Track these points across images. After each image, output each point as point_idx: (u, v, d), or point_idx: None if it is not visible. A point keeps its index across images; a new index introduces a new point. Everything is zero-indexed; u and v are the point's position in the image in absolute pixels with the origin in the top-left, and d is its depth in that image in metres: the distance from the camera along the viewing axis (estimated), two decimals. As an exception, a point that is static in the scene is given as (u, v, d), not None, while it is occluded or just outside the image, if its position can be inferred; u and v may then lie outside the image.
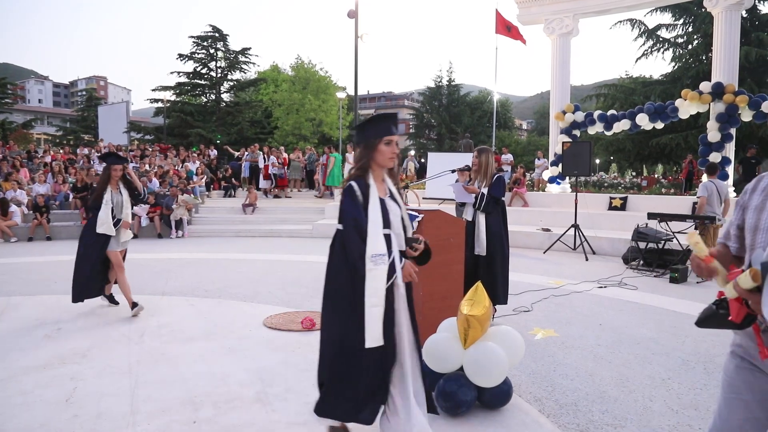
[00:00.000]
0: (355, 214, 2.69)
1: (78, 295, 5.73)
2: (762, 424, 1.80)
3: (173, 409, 3.34)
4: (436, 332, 3.62)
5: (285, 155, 19.51)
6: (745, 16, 21.48)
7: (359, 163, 2.88)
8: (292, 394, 3.56)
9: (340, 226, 2.80)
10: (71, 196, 14.89)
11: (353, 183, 2.78)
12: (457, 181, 5.51)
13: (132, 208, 6.07)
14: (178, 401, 3.45)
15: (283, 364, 4.14)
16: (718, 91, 12.60)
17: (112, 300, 6.16)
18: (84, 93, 50.19)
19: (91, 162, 18.96)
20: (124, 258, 6.07)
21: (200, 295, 6.79)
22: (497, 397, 3.37)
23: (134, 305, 5.68)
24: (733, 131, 12.82)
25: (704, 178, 11.40)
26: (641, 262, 8.91)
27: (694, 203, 9.93)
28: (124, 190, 5.94)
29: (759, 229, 1.76)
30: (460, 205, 5.43)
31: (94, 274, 5.81)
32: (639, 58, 28.03)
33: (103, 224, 5.66)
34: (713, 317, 1.74)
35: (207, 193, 17.94)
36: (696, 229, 8.46)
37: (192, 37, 36.60)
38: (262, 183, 18.82)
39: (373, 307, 2.62)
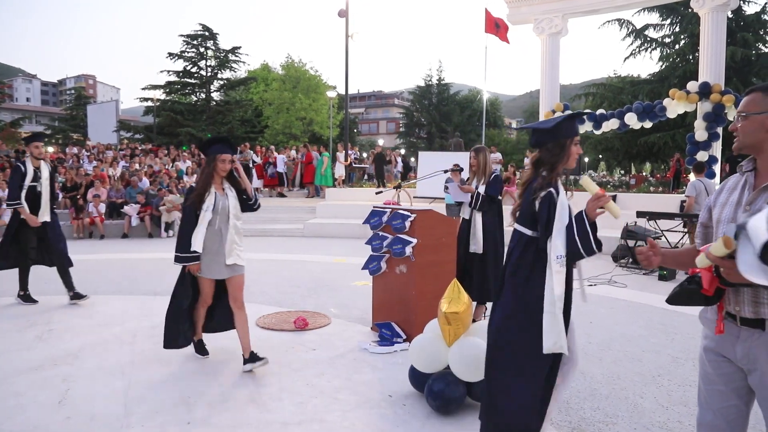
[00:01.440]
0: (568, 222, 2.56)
1: (170, 341, 4.20)
2: (741, 410, 1.93)
3: (167, 409, 3.34)
4: (423, 333, 3.66)
5: (275, 154, 19.48)
6: (730, 16, 21.69)
7: (550, 166, 2.63)
8: (286, 393, 3.58)
9: (530, 232, 2.65)
10: (60, 195, 14.76)
11: (553, 190, 2.56)
12: (451, 181, 5.54)
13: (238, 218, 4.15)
14: (172, 402, 3.45)
15: (277, 364, 4.14)
16: (705, 91, 12.74)
17: (202, 350, 4.40)
18: (73, 92, 49.78)
19: (81, 161, 18.84)
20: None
21: (192, 295, 6.76)
22: None
23: (253, 359, 3.98)
24: (719, 130, 12.96)
25: (692, 176, 11.52)
26: (630, 260, 8.99)
27: (683, 202, 10.03)
28: (230, 191, 4.10)
29: (721, 221, 1.93)
30: (456, 204, 5.46)
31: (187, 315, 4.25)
32: (627, 57, 28.26)
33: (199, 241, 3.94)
34: (683, 292, 1.87)
35: (197, 192, 17.85)
36: (685, 227, 8.55)
37: (182, 35, 36.46)
38: (255, 182, 18.81)
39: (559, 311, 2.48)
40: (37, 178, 6.08)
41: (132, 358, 4.29)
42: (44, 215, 6.11)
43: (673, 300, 1.92)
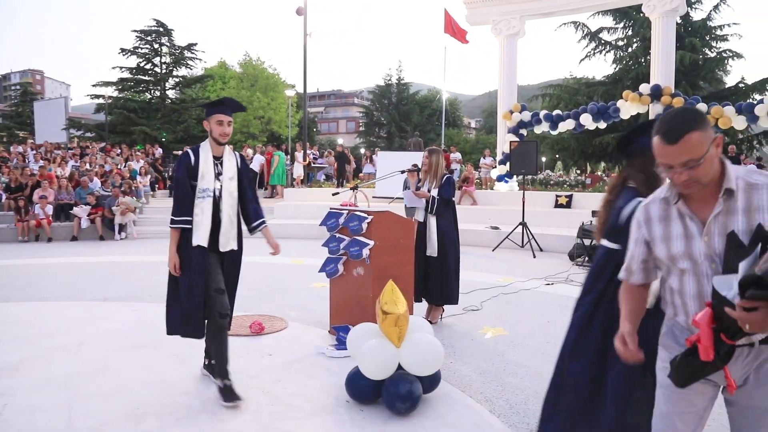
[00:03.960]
0: None
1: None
2: (699, 415, 1.86)
3: (114, 423, 3.18)
4: (354, 342, 3.58)
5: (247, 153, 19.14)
6: (679, 22, 22.42)
7: (644, 178, 2.49)
8: (241, 402, 3.46)
9: (612, 246, 2.61)
10: (4, 197, 14.12)
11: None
12: (407, 187, 5.52)
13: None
14: (120, 414, 3.29)
15: (232, 371, 4.01)
16: (656, 93, 13.11)
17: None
18: (18, 87, 47.85)
19: (26, 160, 18.09)
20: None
21: (144, 299, 6.54)
22: (435, 380, 3.54)
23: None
24: (670, 131, 13.34)
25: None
26: (586, 258, 9.16)
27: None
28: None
29: (676, 258, 1.81)
30: (411, 208, 5.44)
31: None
32: (583, 59, 28.94)
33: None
34: (687, 367, 1.67)
35: (152, 192, 17.41)
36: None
37: (135, 31, 35.51)
38: None
39: None
40: None
41: (77, 369, 4.08)
42: None
43: (681, 382, 1.71)
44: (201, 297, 3.53)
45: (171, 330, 3.75)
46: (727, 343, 1.58)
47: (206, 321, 3.67)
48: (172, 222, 3.54)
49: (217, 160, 3.62)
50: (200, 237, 3.51)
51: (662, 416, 1.92)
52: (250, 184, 3.85)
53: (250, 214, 3.85)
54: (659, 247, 1.86)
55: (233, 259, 3.81)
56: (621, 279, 2.05)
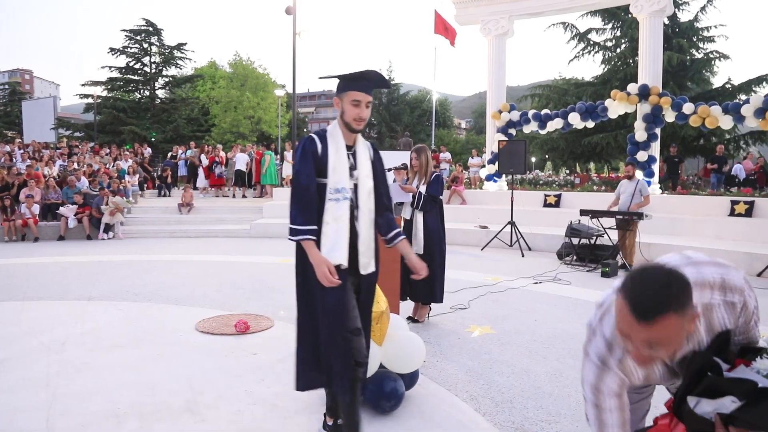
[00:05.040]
0: None
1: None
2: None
3: (94, 423, 3.14)
4: None
5: (223, 154, 19.04)
6: (667, 23, 22.57)
7: None
8: (223, 401, 3.43)
9: None
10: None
11: None
12: (394, 180, 5.50)
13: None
14: (101, 414, 3.25)
15: (215, 370, 3.99)
16: (644, 93, 13.16)
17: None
18: (6, 87, 47.27)
19: (14, 160, 17.90)
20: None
21: (130, 299, 6.49)
22: (415, 377, 3.54)
23: None
24: (658, 131, 13.42)
25: (639, 174, 11.88)
26: (574, 257, 9.19)
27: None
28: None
29: (655, 380, 1.79)
30: (399, 204, 5.42)
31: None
32: (572, 60, 29.02)
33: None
34: None
35: (140, 192, 17.30)
36: (625, 225, 8.75)
37: (124, 30, 35.27)
38: (201, 182, 18.34)
39: None
40: None
41: (59, 368, 4.03)
42: None
43: None
44: (335, 336, 2.62)
45: (304, 384, 2.78)
46: None
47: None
48: (296, 233, 2.57)
49: (349, 150, 2.75)
50: (337, 254, 2.60)
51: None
52: (384, 183, 2.91)
53: (383, 222, 2.88)
54: (633, 396, 1.90)
55: (370, 286, 2.85)
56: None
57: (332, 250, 2.58)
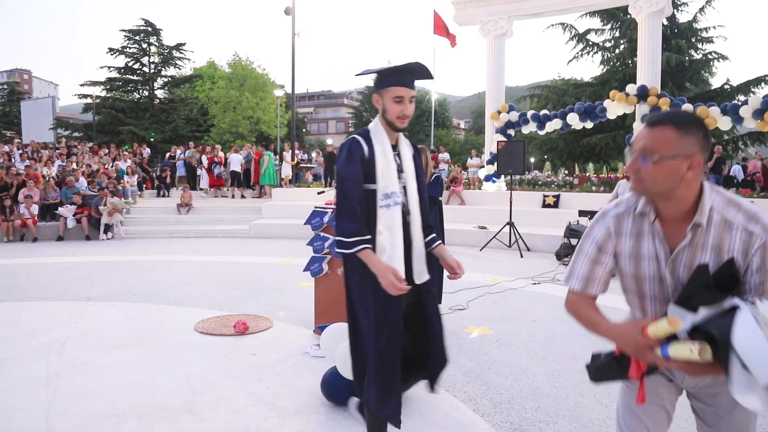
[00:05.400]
0: None
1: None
2: (662, 407, 1.82)
3: (94, 423, 3.15)
4: (329, 342, 3.53)
5: (222, 154, 19.05)
6: (665, 23, 22.59)
7: None
8: (222, 402, 3.44)
9: None
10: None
11: None
12: None
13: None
14: (100, 414, 3.26)
15: (215, 370, 4.00)
16: (642, 94, 13.20)
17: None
18: (5, 87, 47.28)
19: (12, 160, 17.90)
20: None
21: (129, 299, 6.50)
22: None
23: None
24: (657, 132, 13.44)
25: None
26: (573, 258, 9.19)
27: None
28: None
29: (643, 278, 1.68)
30: (396, 205, 5.43)
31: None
32: (570, 60, 29.11)
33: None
34: (608, 370, 1.69)
35: (139, 192, 17.31)
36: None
37: (123, 30, 35.27)
38: (204, 183, 18.35)
39: None
40: None
41: (59, 368, 4.04)
42: None
43: (596, 379, 1.73)
44: (398, 356, 2.44)
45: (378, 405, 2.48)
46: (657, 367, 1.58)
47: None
48: (351, 245, 2.34)
49: (394, 150, 2.55)
50: (395, 266, 2.40)
51: (626, 408, 1.87)
52: (424, 183, 2.69)
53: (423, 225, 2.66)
54: (626, 263, 1.71)
55: (430, 294, 2.66)
56: (574, 290, 1.81)
57: (389, 263, 2.37)
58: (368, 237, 2.36)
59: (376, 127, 2.53)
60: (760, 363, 1.26)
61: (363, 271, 2.40)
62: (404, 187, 2.53)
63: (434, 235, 2.68)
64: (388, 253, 2.40)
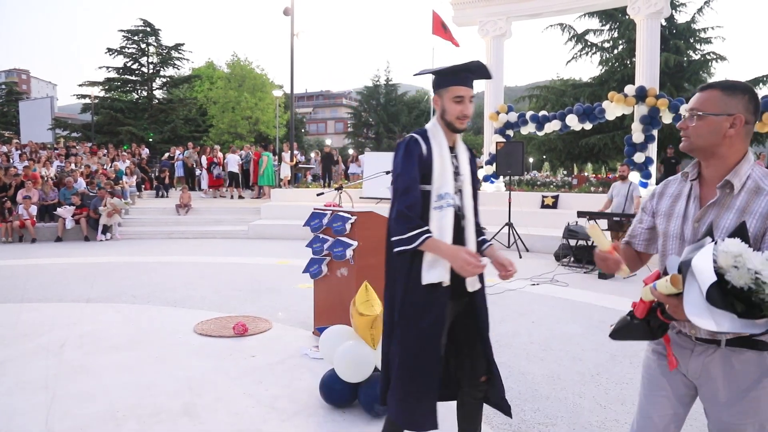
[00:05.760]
0: None
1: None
2: (681, 419, 1.86)
3: (93, 425, 3.15)
4: (328, 344, 3.55)
5: (220, 155, 19.05)
6: (664, 24, 22.60)
7: None
8: (222, 403, 3.44)
9: None
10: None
11: None
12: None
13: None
14: (99, 416, 3.26)
15: (214, 371, 4.00)
16: (641, 95, 13.20)
17: None
18: (3, 87, 47.21)
19: (10, 160, 17.88)
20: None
21: (128, 300, 6.50)
22: None
23: None
24: (655, 132, 13.46)
25: (632, 177, 11.91)
26: (572, 258, 9.20)
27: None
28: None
29: (669, 236, 1.82)
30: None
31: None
32: (569, 61, 29.07)
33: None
34: (627, 327, 1.78)
35: (138, 193, 17.29)
36: (618, 227, 8.79)
37: (122, 30, 35.23)
38: (204, 183, 18.36)
39: None
40: None
41: (58, 370, 4.04)
42: None
43: (616, 335, 1.84)
44: (438, 366, 2.41)
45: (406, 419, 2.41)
46: (659, 318, 1.67)
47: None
48: (410, 241, 2.26)
49: (451, 152, 2.48)
50: (440, 270, 2.32)
51: (639, 405, 1.95)
52: (477, 188, 2.61)
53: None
54: (659, 221, 1.88)
55: (483, 303, 2.64)
56: (624, 242, 2.04)
57: (432, 267, 2.30)
58: (427, 227, 2.28)
59: (434, 127, 2.47)
60: (704, 281, 1.42)
61: (409, 274, 2.35)
62: (460, 190, 2.45)
63: (485, 236, 2.62)
64: (433, 256, 2.31)
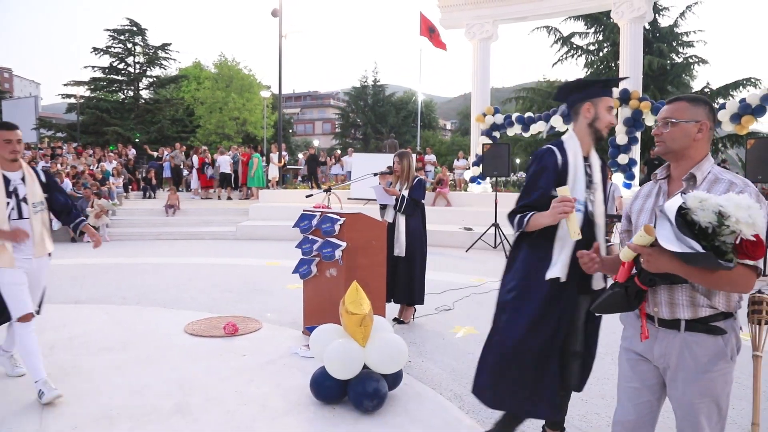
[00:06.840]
0: None
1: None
2: (653, 405, 2.08)
3: (86, 425, 3.21)
4: (318, 342, 3.63)
5: (209, 156, 19.04)
6: (647, 28, 22.90)
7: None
8: (213, 403, 3.51)
9: None
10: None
11: None
12: (379, 184, 5.61)
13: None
14: (92, 417, 3.31)
15: (205, 371, 4.06)
16: (624, 97, 13.41)
17: None
18: (-15, 86, 46.78)
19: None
20: None
21: (117, 302, 6.52)
22: (398, 377, 3.64)
23: None
24: (638, 134, 13.68)
25: (616, 178, 12.10)
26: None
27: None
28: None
29: (639, 227, 2.02)
30: (382, 207, 5.53)
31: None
32: (555, 63, 29.41)
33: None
34: (607, 299, 1.97)
35: (125, 194, 17.23)
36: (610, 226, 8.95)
37: (108, 30, 34.97)
38: (194, 183, 18.32)
39: None
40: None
41: (49, 371, 4.05)
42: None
43: (597, 308, 2.03)
44: (556, 359, 2.68)
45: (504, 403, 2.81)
46: (637, 284, 1.88)
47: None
48: (521, 221, 2.73)
49: (585, 162, 2.69)
50: (558, 266, 2.58)
51: (618, 396, 2.22)
52: (604, 195, 2.85)
53: None
54: (633, 217, 2.14)
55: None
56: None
57: (553, 267, 2.57)
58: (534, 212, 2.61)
59: (571, 138, 2.68)
60: (671, 210, 1.71)
61: (538, 264, 2.65)
62: (592, 198, 2.66)
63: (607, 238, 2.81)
64: (554, 258, 2.59)
